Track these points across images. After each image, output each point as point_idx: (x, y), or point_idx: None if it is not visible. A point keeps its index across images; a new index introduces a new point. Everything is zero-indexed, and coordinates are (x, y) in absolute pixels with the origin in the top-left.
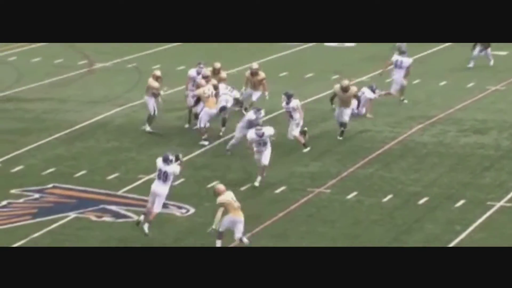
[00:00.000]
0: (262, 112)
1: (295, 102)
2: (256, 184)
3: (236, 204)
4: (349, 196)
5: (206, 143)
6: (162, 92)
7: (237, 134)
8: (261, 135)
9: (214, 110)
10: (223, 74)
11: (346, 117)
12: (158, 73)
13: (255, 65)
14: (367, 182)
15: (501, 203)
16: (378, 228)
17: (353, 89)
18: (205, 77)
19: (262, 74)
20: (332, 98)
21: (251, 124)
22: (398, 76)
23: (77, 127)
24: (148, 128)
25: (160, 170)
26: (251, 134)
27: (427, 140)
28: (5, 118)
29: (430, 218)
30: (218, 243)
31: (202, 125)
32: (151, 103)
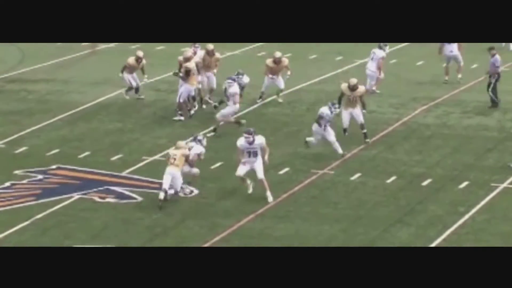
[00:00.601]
0: (337, 105)
1: (232, 89)
2: (250, 191)
3: (171, 160)
4: (353, 178)
5: (182, 118)
6: (125, 75)
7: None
8: (250, 143)
9: (194, 87)
10: (217, 54)
11: (361, 118)
12: (139, 53)
13: (278, 53)
14: (371, 163)
15: (505, 184)
16: (381, 209)
17: (361, 88)
18: (187, 59)
19: (286, 61)
20: (340, 98)
21: (324, 121)
22: (453, 51)
23: (80, 108)
24: (127, 96)
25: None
26: (241, 141)
27: (430, 122)
28: (9, 99)
29: (433, 199)
30: (161, 195)
31: (181, 100)
32: (126, 78)
